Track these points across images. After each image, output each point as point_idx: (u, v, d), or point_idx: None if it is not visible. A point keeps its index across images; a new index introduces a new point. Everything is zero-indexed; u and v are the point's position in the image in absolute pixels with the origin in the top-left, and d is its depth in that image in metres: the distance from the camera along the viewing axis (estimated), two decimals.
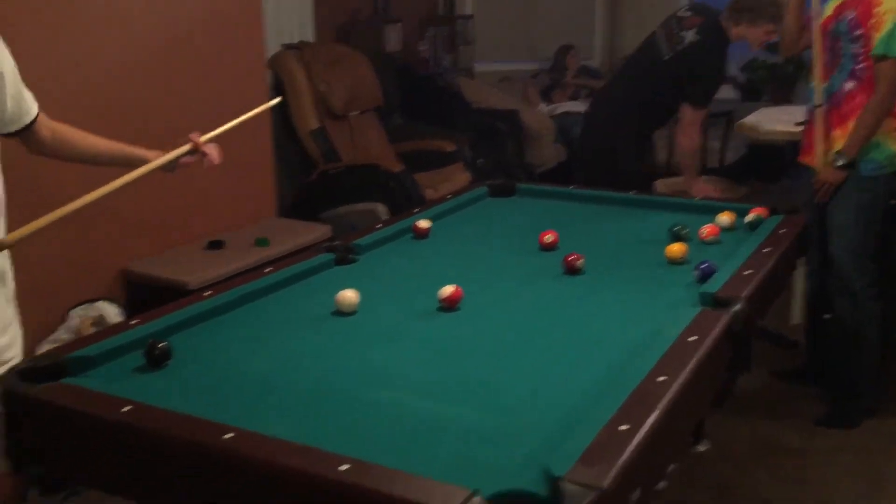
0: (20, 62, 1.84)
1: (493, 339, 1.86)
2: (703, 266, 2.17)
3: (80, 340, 1.77)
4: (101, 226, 3.22)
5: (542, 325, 1.93)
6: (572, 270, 2.26)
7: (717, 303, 1.95)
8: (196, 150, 2.08)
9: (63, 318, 3.02)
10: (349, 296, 2.00)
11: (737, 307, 1.90)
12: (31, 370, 1.61)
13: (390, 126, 5.30)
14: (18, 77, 1.84)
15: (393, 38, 6.59)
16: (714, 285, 2.04)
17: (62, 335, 2.93)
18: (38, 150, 1.95)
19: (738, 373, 1.98)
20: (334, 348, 1.82)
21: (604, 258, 2.39)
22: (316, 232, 3.81)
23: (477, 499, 1.18)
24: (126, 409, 1.44)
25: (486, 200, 3.14)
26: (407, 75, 5.88)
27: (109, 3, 3.25)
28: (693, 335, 1.74)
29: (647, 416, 1.41)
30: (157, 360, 1.69)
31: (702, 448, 2.36)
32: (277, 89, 4.53)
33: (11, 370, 1.60)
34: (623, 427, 1.37)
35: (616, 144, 3.84)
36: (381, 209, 4.26)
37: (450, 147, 4.92)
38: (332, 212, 4.40)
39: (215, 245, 3.53)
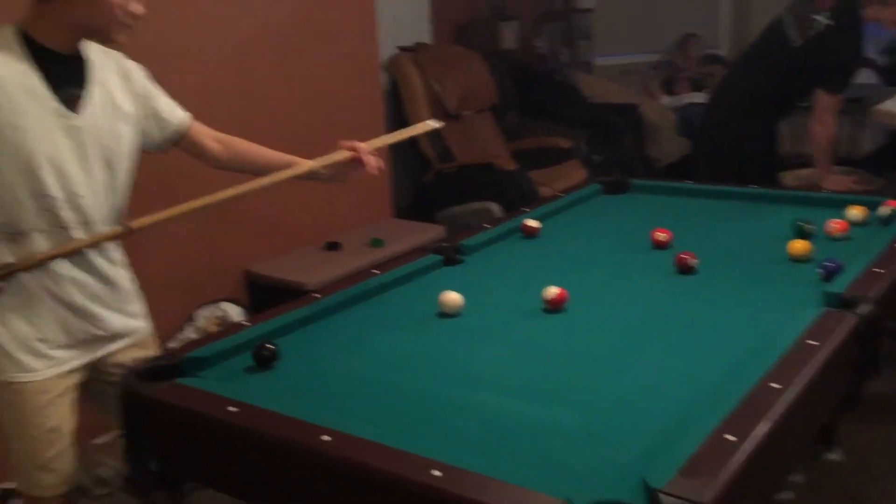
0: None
1: (597, 342, 1.81)
2: (828, 264, 2.04)
3: (196, 341, 1.84)
4: (226, 229, 3.36)
5: (650, 327, 1.87)
6: (685, 269, 2.18)
7: (843, 303, 1.83)
8: (355, 159, 2.01)
9: (190, 318, 3.17)
10: (453, 297, 1.99)
11: (865, 308, 1.78)
12: (150, 370, 1.69)
13: (506, 124, 5.28)
14: (155, 93, 1.96)
15: (509, 36, 6.57)
16: (840, 284, 1.92)
17: (189, 334, 3.08)
18: (214, 164, 2.06)
19: (867, 377, 1.85)
20: (435, 350, 1.82)
21: (720, 256, 2.29)
22: (430, 232, 3.84)
23: None
24: (231, 409, 1.49)
25: (599, 198, 3.07)
26: (523, 73, 5.84)
27: (222, 8, 3.37)
28: (814, 338, 1.64)
29: (757, 425, 1.34)
30: (264, 361, 1.74)
31: (834, 457, 2.23)
32: (393, 92, 4.61)
33: (131, 371, 1.68)
34: (729, 437, 1.30)
35: (740, 136, 3.68)
36: (495, 208, 4.25)
37: (566, 144, 4.86)
38: (448, 211, 4.42)
39: (332, 246, 3.62)
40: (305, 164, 2.04)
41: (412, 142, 4.61)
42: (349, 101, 3.93)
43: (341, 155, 2.03)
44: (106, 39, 1.80)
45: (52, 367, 1.83)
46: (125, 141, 1.88)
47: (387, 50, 4.76)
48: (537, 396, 1.57)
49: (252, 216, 3.51)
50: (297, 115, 3.64)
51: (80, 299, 1.85)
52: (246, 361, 1.76)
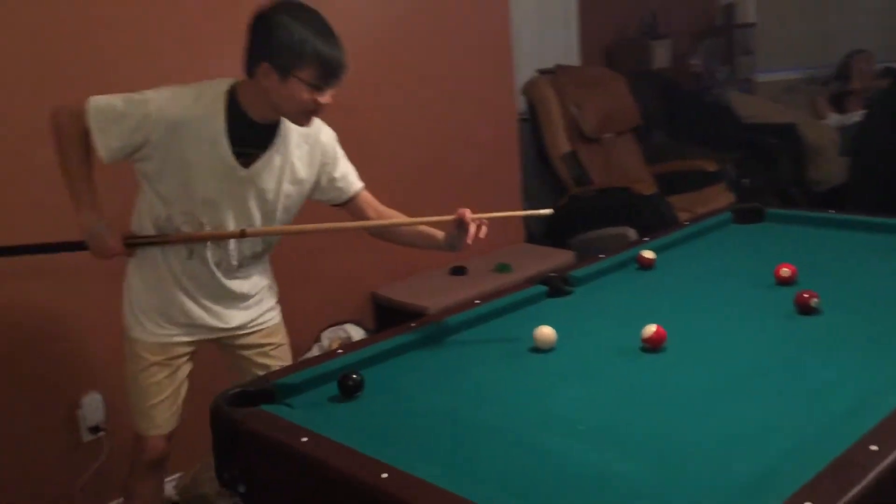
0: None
1: (689, 386, 1.71)
2: None
3: (287, 368, 1.90)
4: (357, 251, 3.45)
5: (751, 373, 1.74)
6: (805, 310, 2.02)
7: None
8: (460, 222, 2.07)
9: (316, 339, 3.27)
10: (545, 332, 1.95)
11: None
12: (242, 395, 1.76)
13: (650, 146, 5.13)
14: (337, 161, 2.21)
15: (661, 55, 6.40)
16: None
17: (315, 353, 3.18)
18: (368, 229, 2.27)
19: None
20: (519, 388, 1.78)
21: (852, 298, 2.12)
22: (558, 258, 3.78)
23: None
24: (304, 439, 1.52)
25: (730, 227, 2.91)
26: (672, 93, 5.65)
27: (347, 21, 3.48)
28: None
29: (844, 491, 1.21)
30: (348, 391, 1.77)
31: None
32: (530, 115, 4.59)
33: (223, 394, 1.75)
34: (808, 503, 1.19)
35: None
36: (632, 233, 4.12)
37: (711, 167, 4.64)
38: (583, 237, 4.34)
39: (458, 271, 3.63)
40: (445, 243, 2.18)
41: (548, 166, 4.57)
42: (482, 124, 3.95)
43: (447, 218, 2.10)
44: (294, 122, 2.05)
45: (162, 337, 2.19)
46: (288, 198, 2.16)
47: (528, 73, 4.76)
48: (610, 443, 1.50)
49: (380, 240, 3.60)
50: (426, 135, 3.69)
51: (197, 294, 2.19)
52: (334, 390, 1.80)
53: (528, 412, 1.66)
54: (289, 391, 1.80)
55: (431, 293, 3.41)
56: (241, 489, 1.71)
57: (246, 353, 2.32)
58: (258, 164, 2.07)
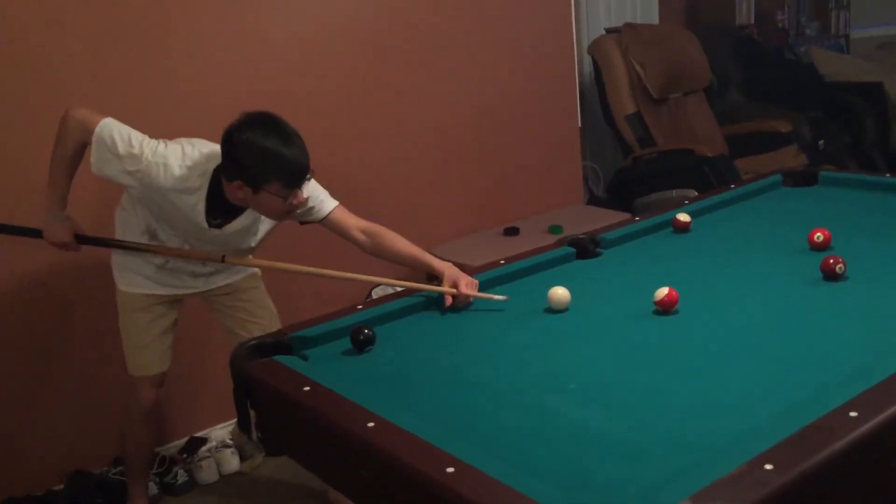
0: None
1: (692, 349, 1.71)
2: None
3: (307, 321, 1.98)
4: (411, 209, 3.53)
5: (757, 338, 1.73)
6: (830, 276, 1.98)
7: None
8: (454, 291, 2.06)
9: (367, 296, 3.37)
10: (559, 293, 1.97)
11: None
12: (260, 346, 1.86)
13: (724, 106, 4.98)
14: (311, 196, 2.21)
15: (745, 10, 6.16)
16: None
17: None
18: (360, 248, 2.31)
19: None
20: (525, 346, 1.82)
21: (882, 264, 2.06)
22: (614, 220, 3.73)
23: None
24: (305, 388, 1.60)
25: (780, 190, 2.84)
26: (751, 49, 5.44)
27: None
28: None
29: (805, 457, 1.21)
30: (360, 345, 1.84)
31: None
32: (596, 75, 4.52)
33: (242, 344, 1.85)
34: (768, 466, 1.20)
35: None
36: (695, 196, 4.04)
37: (785, 128, 4.48)
38: (646, 199, 4.27)
39: (511, 231, 3.66)
40: (443, 273, 2.13)
41: (613, 126, 4.51)
42: (541, 84, 3.93)
43: (445, 289, 2.08)
44: (272, 220, 2.26)
45: (143, 289, 2.42)
46: (258, 234, 2.33)
47: (599, 31, 4.69)
48: (597, 402, 1.53)
49: (436, 198, 3.66)
50: (482, 95, 3.71)
51: (173, 278, 2.42)
52: (348, 344, 1.88)
53: (527, 371, 1.69)
54: (305, 343, 1.89)
55: (483, 253, 3.44)
56: (257, 436, 1.82)
57: (225, 300, 2.53)
58: (229, 227, 2.25)
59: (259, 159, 2.00)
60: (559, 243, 2.39)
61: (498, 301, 2.04)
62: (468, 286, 2.05)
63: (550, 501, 1.17)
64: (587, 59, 4.65)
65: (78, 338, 2.83)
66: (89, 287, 2.77)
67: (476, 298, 2.06)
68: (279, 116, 2.08)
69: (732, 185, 2.88)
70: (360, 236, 2.27)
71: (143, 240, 2.33)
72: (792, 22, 6.51)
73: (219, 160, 2.13)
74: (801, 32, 6.51)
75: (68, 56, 2.67)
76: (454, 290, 2.05)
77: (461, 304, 2.05)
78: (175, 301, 2.48)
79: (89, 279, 2.74)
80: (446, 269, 2.11)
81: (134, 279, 2.41)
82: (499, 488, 1.22)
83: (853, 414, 1.31)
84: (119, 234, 2.39)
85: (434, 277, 2.20)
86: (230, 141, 2.04)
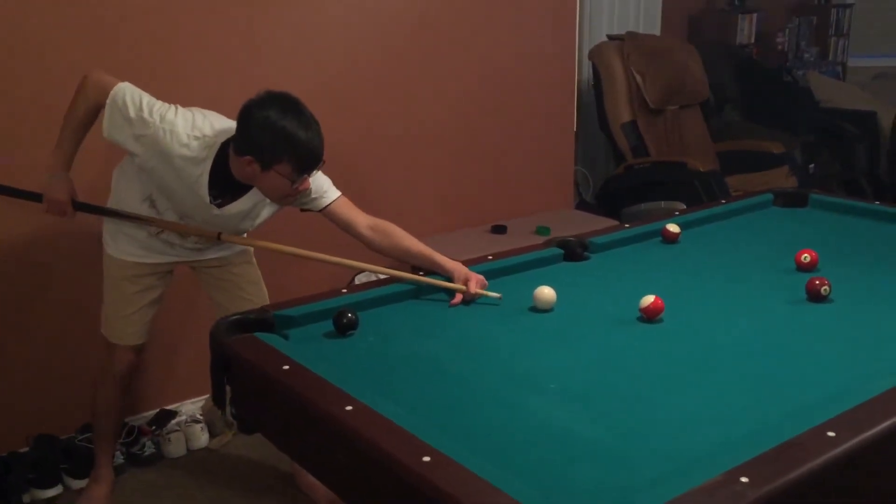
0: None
1: (675, 360, 1.71)
2: None
3: (291, 301, 1.97)
4: (401, 202, 3.51)
5: (740, 354, 1.73)
6: (815, 297, 1.98)
7: None
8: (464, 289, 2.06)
9: (350, 282, 3.36)
10: (545, 293, 1.97)
11: None
12: (242, 321, 1.84)
13: (719, 122, 5.01)
14: (314, 184, 2.17)
15: (747, 29, 6.20)
16: None
17: None
18: (367, 246, 2.26)
19: None
20: (507, 343, 1.81)
21: (867, 288, 2.07)
22: (603, 226, 3.74)
23: None
24: (285, 367, 1.59)
25: (770, 209, 2.85)
26: (750, 69, 5.47)
27: None
28: None
29: (781, 473, 1.21)
30: (342, 328, 1.83)
31: None
32: (595, 80, 4.53)
33: (223, 319, 1.84)
34: (743, 479, 1.20)
35: None
36: (683, 209, 4.05)
37: (777, 149, 4.51)
38: (634, 208, 4.29)
39: (499, 230, 3.65)
40: (450, 271, 2.12)
41: (608, 133, 4.52)
42: (540, 86, 3.93)
43: (456, 285, 2.08)
44: (274, 202, 2.21)
45: (133, 256, 2.38)
46: (258, 218, 2.30)
47: (601, 37, 4.70)
48: (577, 404, 1.52)
49: (430, 191, 3.65)
50: (480, 92, 3.70)
51: (167, 248, 2.39)
52: (330, 326, 1.86)
53: (509, 368, 1.69)
54: (287, 322, 1.87)
55: (469, 250, 3.42)
56: (232, 412, 1.80)
57: (215, 272, 2.49)
58: (231, 207, 2.22)
59: (274, 137, 1.98)
60: (548, 244, 2.39)
61: (492, 298, 2.04)
62: (478, 284, 2.06)
63: (525, 498, 1.16)
64: (587, 65, 4.66)
65: (50, 303, 2.80)
66: (63, 251, 2.74)
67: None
68: (300, 100, 2.05)
69: (724, 201, 2.89)
70: (368, 233, 2.22)
71: (143, 207, 2.29)
72: (792, 45, 6.56)
73: (228, 136, 2.11)
74: (800, 56, 6.57)
75: (70, 58, 2.63)
76: (463, 288, 2.05)
77: (457, 300, 2.05)
78: (165, 273, 2.45)
79: (64, 243, 2.71)
80: (456, 268, 2.11)
81: (125, 244, 2.37)
82: (474, 481, 1.21)
83: (831, 434, 1.31)
84: (115, 196, 2.35)
85: (418, 270, 2.19)
86: (248, 115, 2.01)
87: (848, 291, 2.02)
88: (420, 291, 2.08)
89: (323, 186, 2.21)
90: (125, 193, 2.32)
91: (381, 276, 2.20)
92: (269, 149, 1.99)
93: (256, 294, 2.50)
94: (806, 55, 6.58)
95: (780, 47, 6.47)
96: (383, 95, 3.42)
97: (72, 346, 2.82)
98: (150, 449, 2.86)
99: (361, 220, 2.24)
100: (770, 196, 2.89)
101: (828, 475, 1.26)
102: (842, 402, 1.43)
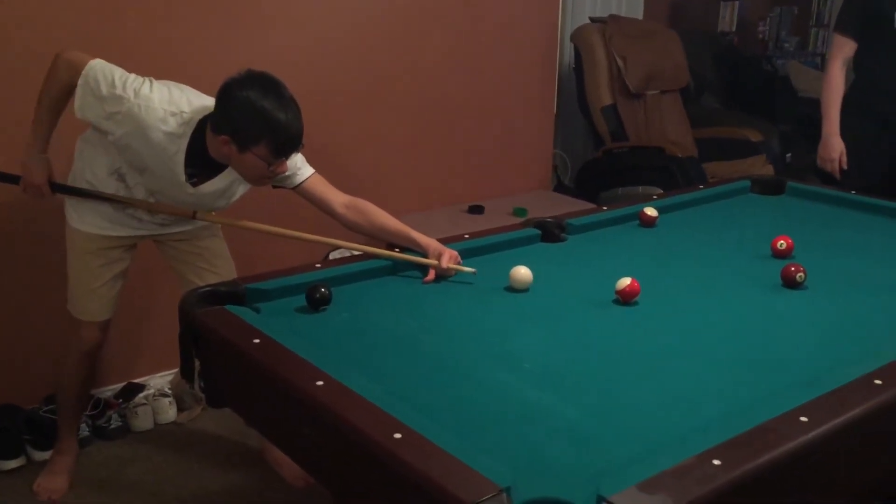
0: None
1: (649, 342, 1.70)
2: None
3: (264, 274, 1.93)
4: (379, 179, 3.48)
5: (714, 337, 1.73)
6: (790, 283, 1.99)
7: None
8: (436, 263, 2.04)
9: (326, 256, 3.32)
10: (521, 273, 1.95)
11: None
12: (213, 293, 1.81)
13: (698, 109, 5.00)
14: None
15: (728, 18, 6.21)
16: None
17: None
18: (343, 224, 2.23)
19: None
20: (483, 322, 1.80)
21: (841, 275, 2.07)
22: (579, 209, 3.73)
23: (503, 497, 1.11)
24: (255, 340, 1.56)
25: (748, 196, 2.85)
26: (731, 56, 5.48)
27: None
28: (882, 378, 1.45)
29: (753, 456, 1.21)
30: (315, 303, 1.81)
31: None
32: (576, 63, 4.50)
33: (193, 291, 1.80)
34: (716, 461, 1.19)
35: None
36: (660, 194, 4.05)
37: (755, 137, 4.52)
38: (612, 192, 4.28)
39: (476, 209, 3.63)
40: (426, 247, 2.09)
41: (588, 116, 4.50)
42: (521, 68, 3.90)
43: (429, 261, 2.06)
44: (249, 183, 2.17)
45: (97, 229, 2.32)
46: (233, 196, 2.28)
47: (583, 20, 4.67)
48: (551, 384, 1.51)
49: (409, 169, 3.61)
50: (461, 73, 3.67)
51: (132, 221, 2.33)
52: (303, 300, 1.83)
53: (483, 347, 1.67)
54: (259, 296, 1.84)
55: (446, 229, 3.40)
56: (200, 385, 1.77)
57: (182, 246, 2.45)
58: (206, 185, 2.18)
59: (253, 119, 1.94)
60: (525, 224, 2.37)
61: (467, 273, 2.02)
62: (451, 259, 2.03)
63: (497, 477, 1.15)
64: (569, 47, 4.63)
65: (15, 271, 2.74)
66: (27, 221, 2.68)
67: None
68: (281, 81, 2.00)
69: (701, 186, 2.89)
70: (343, 210, 2.19)
71: (111, 181, 2.24)
72: (772, 35, 6.58)
73: (206, 113, 2.07)
74: (780, 46, 6.59)
75: (46, 35, 2.56)
76: (435, 262, 2.02)
77: (431, 276, 2.03)
78: (130, 247, 2.40)
79: (28, 212, 2.64)
80: (431, 244, 2.08)
81: (89, 217, 2.31)
82: (445, 459, 1.19)
83: (803, 419, 1.31)
84: (80, 169, 2.29)
85: (395, 246, 2.16)
86: (228, 94, 1.97)
87: (822, 278, 2.02)
88: (396, 268, 2.06)
89: (297, 163, 2.17)
90: (91, 166, 2.25)
91: (356, 253, 2.17)
92: (248, 130, 1.95)
93: (223, 267, 2.45)
94: (786, 45, 6.60)
95: (760, 36, 6.49)
96: (362, 75, 3.38)
97: (35, 316, 2.76)
98: (116, 422, 2.83)
99: (336, 197, 2.20)
100: (747, 183, 2.89)
101: (799, 459, 1.25)
102: (815, 387, 1.43)
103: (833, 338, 1.72)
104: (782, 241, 2.20)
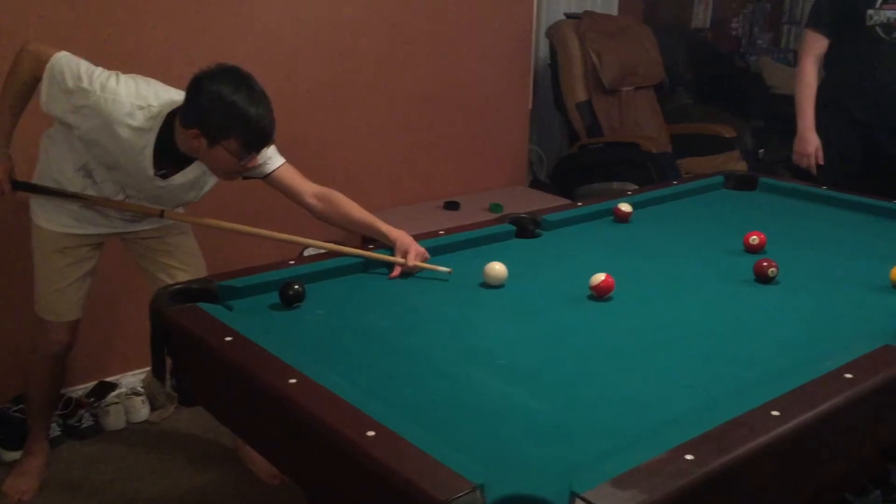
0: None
1: (622, 337, 1.71)
2: None
3: (237, 271, 1.91)
4: (355, 174, 3.46)
5: (688, 332, 1.73)
6: (763, 278, 2.00)
7: None
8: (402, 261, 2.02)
9: (301, 254, 3.30)
10: (496, 269, 1.95)
11: None
12: (184, 291, 1.79)
13: (672, 105, 5.02)
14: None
15: (702, 14, 6.24)
16: None
17: None
18: (313, 214, 2.21)
19: None
20: (457, 318, 1.79)
21: (813, 270, 2.09)
22: (554, 205, 3.74)
23: (477, 494, 1.11)
24: (227, 339, 1.55)
25: (720, 191, 2.87)
26: (705, 53, 5.51)
27: None
28: (853, 372, 1.46)
29: (725, 451, 1.21)
30: (288, 300, 1.79)
31: None
32: (552, 59, 4.51)
33: (165, 288, 1.78)
34: (688, 457, 1.19)
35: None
36: (635, 189, 4.07)
37: (729, 133, 4.54)
38: (587, 188, 4.29)
39: (451, 205, 3.63)
40: (394, 240, 2.08)
41: (563, 112, 4.51)
42: (496, 64, 3.90)
43: (395, 259, 2.04)
44: (218, 177, 2.16)
45: (63, 227, 2.28)
46: (204, 188, 2.27)
47: (558, 16, 4.67)
48: (525, 380, 1.51)
49: (385, 164, 3.60)
50: (436, 69, 3.66)
51: (98, 217, 2.30)
52: (276, 298, 1.82)
53: (458, 343, 1.67)
54: (231, 293, 1.83)
55: (421, 225, 3.39)
56: (172, 383, 1.75)
57: (151, 244, 2.41)
58: (175, 178, 2.16)
59: (224, 113, 1.92)
60: (500, 220, 2.37)
61: (442, 272, 2.01)
62: (417, 257, 2.01)
63: (470, 474, 1.14)
64: (544, 43, 4.63)
65: None
66: None
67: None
68: (252, 76, 1.98)
69: (675, 182, 2.90)
70: (312, 201, 2.18)
71: (78, 178, 2.20)
72: (745, 31, 6.63)
73: (174, 106, 2.04)
74: (753, 42, 6.63)
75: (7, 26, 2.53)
76: (402, 261, 2.01)
77: (396, 273, 2.02)
78: (97, 245, 2.37)
79: None
80: (399, 237, 2.06)
81: (55, 215, 2.27)
82: (419, 456, 1.19)
83: (775, 413, 1.32)
84: (45, 166, 2.25)
85: (369, 242, 2.15)
86: (199, 87, 1.94)
87: (794, 273, 2.03)
88: (370, 265, 2.05)
89: (267, 153, 2.14)
90: (57, 163, 2.21)
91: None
92: (218, 124, 1.93)
93: (194, 265, 2.43)
94: (759, 41, 6.65)
95: (734, 32, 6.53)
96: (337, 70, 3.36)
97: (2, 316, 2.72)
98: (87, 421, 2.79)
99: (306, 187, 2.18)
100: (721, 178, 2.91)
101: (772, 454, 1.26)
102: (787, 381, 1.43)
103: (805, 332, 1.73)
104: (755, 237, 2.21)
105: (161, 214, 2.24)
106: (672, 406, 1.41)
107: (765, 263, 2.00)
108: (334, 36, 3.31)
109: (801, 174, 3.31)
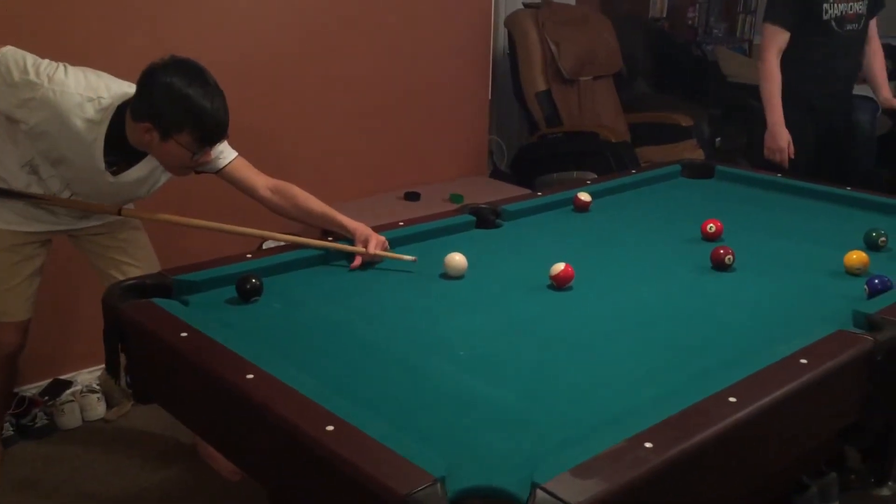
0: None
1: (582, 326, 1.71)
2: (875, 280, 1.83)
3: (193, 265, 1.88)
4: (313, 166, 3.42)
5: (646, 321, 1.75)
6: (720, 265, 2.02)
7: (869, 325, 1.64)
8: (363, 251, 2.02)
9: (260, 247, 3.26)
10: (455, 260, 1.94)
11: (888, 334, 1.58)
12: (138, 286, 1.75)
13: (630, 94, 5.05)
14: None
15: (659, 3, 6.29)
16: (875, 305, 1.72)
17: None
18: (268, 208, 2.18)
19: (883, 413, 1.65)
20: (418, 310, 1.79)
21: (769, 257, 2.12)
22: (514, 195, 3.74)
23: (437, 487, 1.10)
24: (183, 334, 1.52)
25: (678, 180, 2.90)
26: (662, 42, 5.55)
27: None
28: (807, 357, 1.48)
29: (683, 438, 1.22)
30: (245, 294, 1.77)
31: (886, 492, 2.05)
32: (510, 48, 4.50)
33: (118, 284, 1.75)
34: (647, 444, 1.20)
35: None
36: (594, 178, 4.09)
37: (686, 122, 4.58)
38: (547, 177, 4.30)
39: (412, 196, 3.61)
40: (352, 231, 2.07)
41: (522, 102, 4.51)
42: (455, 53, 3.88)
43: (355, 248, 2.04)
44: (170, 173, 2.12)
45: (10, 226, 2.22)
46: (157, 184, 2.22)
47: (517, 5, 4.66)
48: (486, 370, 1.51)
49: (343, 156, 3.56)
50: (394, 58, 3.63)
51: (45, 214, 2.24)
52: (233, 292, 1.79)
53: (418, 335, 1.66)
54: (187, 288, 1.80)
55: (382, 216, 3.37)
56: (126, 380, 1.72)
57: (101, 240, 2.36)
58: (127, 174, 2.12)
59: (177, 106, 1.88)
60: (460, 211, 2.36)
61: (406, 261, 1.99)
62: (377, 246, 2.00)
63: (431, 467, 1.14)
64: (503, 32, 4.63)
65: None
66: None
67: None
68: (205, 69, 1.94)
69: (633, 171, 2.92)
70: (267, 194, 2.14)
71: (22, 174, 2.13)
72: (701, 20, 6.69)
73: (125, 99, 1.99)
74: (709, 32, 6.71)
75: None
76: (363, 250, 1.99)
77: (357, 262, 2.00)
78: (44, 242, 2.31)
79: None
80: (358, 228, 2.05)
81: (2, 212, 2.20)
82: (379, 450, 1.18)
83: (732, 399, 1.33)
84: None
85: (329, 234, 2.13)
86: (151, 80, 1.90)
87: (751, 260, 2.06)
88: (329, 257, 2.03)
89: (220, 147, 2.10)
90: (1, 160, 2.15)
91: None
92: (171, 117, 1.89)
93: (145, 260, 2.37)
94: (715, 31, 6.72)
95: (690, 22, 6.59)
96: (295, 61, 3.32)
97: None
98: (42, 420, 2.73)
99: (260, 181, 2.15)
100: (678, 167, 2.93)
101: (729, 440, 1.27)
102: (743, 367, 1.45)
103: (761, 318, 1.76)
104: (711, 225, 2.24)
105: (118, 212, 2.18)
106: (632, 394, 1.42)
107: (721, 251, 2.02)
108: (291, 26, 3.27)
109: (777, 169, 3.32)
